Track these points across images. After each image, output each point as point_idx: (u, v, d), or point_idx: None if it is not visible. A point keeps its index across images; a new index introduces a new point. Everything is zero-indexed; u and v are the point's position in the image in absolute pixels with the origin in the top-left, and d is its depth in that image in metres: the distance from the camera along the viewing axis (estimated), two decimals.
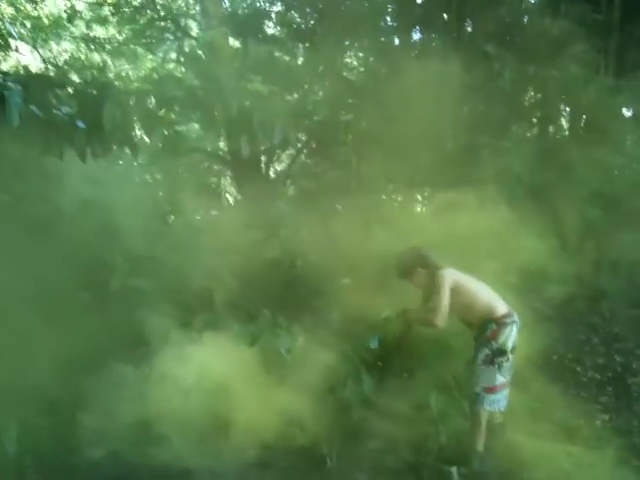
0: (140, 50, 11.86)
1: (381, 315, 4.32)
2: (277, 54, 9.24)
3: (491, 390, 4.23)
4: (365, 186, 6.41)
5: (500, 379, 4.23)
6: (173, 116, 5.70)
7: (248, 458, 4.08)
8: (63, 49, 11.91)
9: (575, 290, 7.77)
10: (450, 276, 4.23)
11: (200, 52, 7.02)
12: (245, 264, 5.29)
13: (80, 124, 4.18)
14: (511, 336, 4.24)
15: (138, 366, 4.26)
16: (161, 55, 11.78)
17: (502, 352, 4.21)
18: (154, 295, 4.87)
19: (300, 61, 9.32)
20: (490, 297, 4.32)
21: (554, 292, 7.56)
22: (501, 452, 4.37)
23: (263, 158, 8.51)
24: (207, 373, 4.06)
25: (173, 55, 11.56)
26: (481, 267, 5.29)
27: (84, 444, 4.10)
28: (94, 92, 4.40)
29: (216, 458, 3.99)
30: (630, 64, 8.85)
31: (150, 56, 12.01)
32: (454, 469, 4.03)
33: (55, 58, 11.53)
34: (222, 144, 9.63)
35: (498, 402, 4.28)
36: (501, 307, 4.29)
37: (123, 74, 11.20)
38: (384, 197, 7.19)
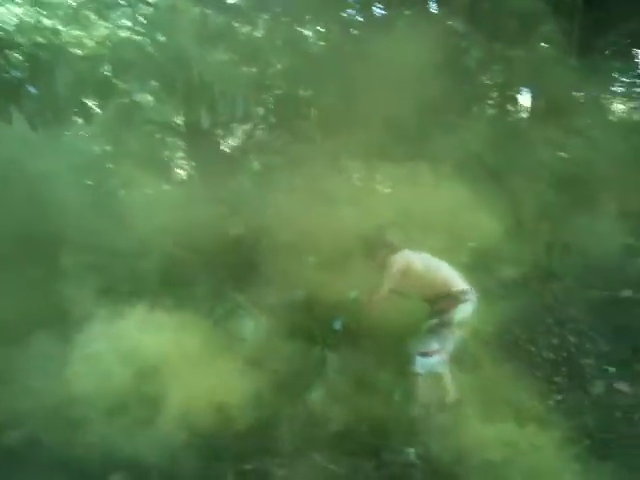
0: (93, 16, 11.41)
1: (347, 295, 4.26)
2: (237, 24, 9.02)
3: (424, 354, 4.36)
4: (328, 162, 6.32)
5: (435, 345, 4.38)
6: (128, 84, 5.50)
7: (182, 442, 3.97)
8: (13, 13, 11.40)
9: (529, 271, 7.88)
10: (402, 260, 4.38)
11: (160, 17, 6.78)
12: (203, 241, 5.17)
13: (31, 89, 3.98)
14: (462, 311, 4.40)
15: (66, 342, 4.07)
16: (115, 21, 11.37)
17: (448, 324, 4.37)
18: (97, 270, 4.72)
19: (260, 33, 9.10)
20: (448, 275, 4.49)
21: (508, 272, 7.64)
22: (456, 432, 4.40)
23: (220, 131, 8.31)
24: (141, 353, 3.94)
25: (127, 22, 11.17)
26: (435, 244, 5.32)
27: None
28: (46, 56, 4.19)
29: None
30: (593, 46, 8.94)
31: (103, 23, 11.58)
32: (412, 450, 4.03)
33: (4, 22, 11.02)
34: (176, 115, 9.39)
35: (430, 365, 4.40)
36: (459, 284, 4.45)
37: (75, 41, 10.78)
38: (347, 173, 7.11)
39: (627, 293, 6.69)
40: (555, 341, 5.75)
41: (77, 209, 5.47)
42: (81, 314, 4.29)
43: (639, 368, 5.32)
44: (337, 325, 4.10)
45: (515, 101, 8.52)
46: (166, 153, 10.68)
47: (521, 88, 8.09)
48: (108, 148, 9.40)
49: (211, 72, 4.97)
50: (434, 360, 4.42)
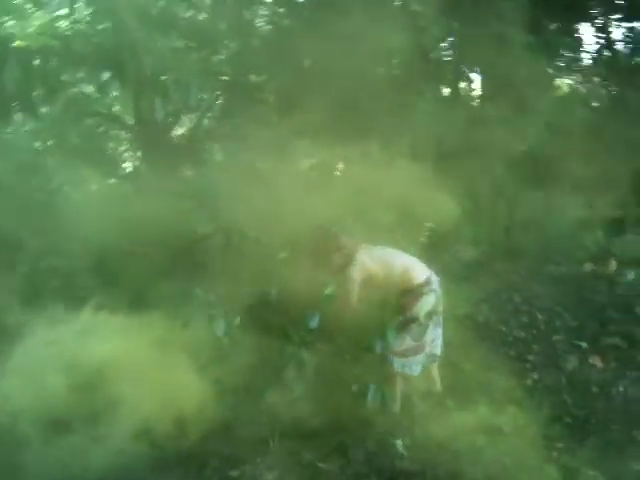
0: (29, 5, 10.90)
1: (323, 291, 4.12)
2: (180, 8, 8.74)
3: (400, 354, 4.27)
4: (285, 146, 6.16)
5: (411, 343, 4.27)
6: (77, 76, 5.24)
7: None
8: None
9: (490, 250, 7.94)
10: (361, 271, 4.17)
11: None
12: (163, 238, 4.97)
13: None
14: (426, 304, 4.28)
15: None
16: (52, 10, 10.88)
17: (414, 319, 4.25)
18: (43, 273, 4.48)
19: (204, 16, 8.84)
20: (407, 267, 4.30)
21: (469, 252, 7.68)
22: (439, 419, 4.37)
23: (172, 121, 8.05)
24: (90, 360, 3.66)
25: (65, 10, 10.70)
26: (391, 225, 5.26)
27: None
28: None
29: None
30: (542, 23, 8.98)
31: (41, 12, 11.07)
32: (399, 441, 3.97)
33: None
34: (125, 106, 9.08)
35: (410, 366, 4.30)
36: (419, 275, 4.29)
37: (18, 32, 10.28)
38: (304, 157, 6.97)
39: (588, 267, 6.77)
40: (525, 319, 5.77)
41: (17, 208, 5.23)
42: (18, 321, 4.01)
43: (609, 342, 5.38)
44: (313, 323, 3.96)
45: (469, 80, 8.52)
46: (113, 146, 10.35)
47: (475, 67, 8.03)
48: (50, 143, 9.04)
49: (163, 60, 4.75)
50: (414, 359, 4.32)
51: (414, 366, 4.33)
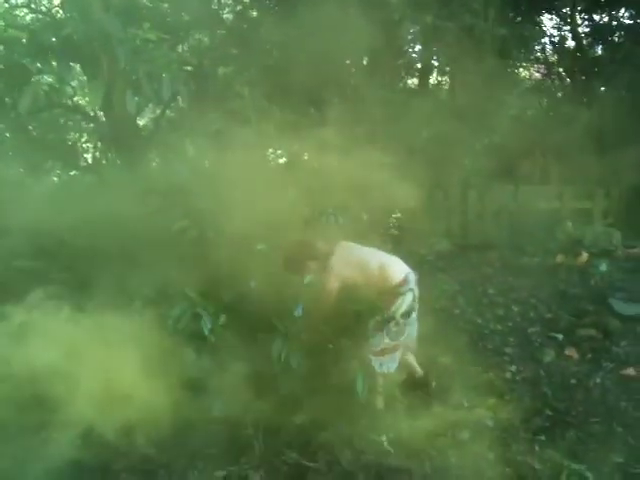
0: None
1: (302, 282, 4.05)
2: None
3: (380, 353, 4.24)
4: (256, 138, 6.08)
5: (388, 342, 4.24)
6: (47, 68, 5.06)
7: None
8: None
9: (462, 241, 7.99)
10: (336, 274, 4.13)
11: None
12: (135, 233, 4.84)
13: None
14: (404, 304, 4.23)
15: None
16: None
17: (391, 318, 4.21)
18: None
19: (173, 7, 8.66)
20: (384, 266, 4.23)
21: (443, 244, 7.71)
22: (419, 413, 4.37)
23: (142, 113, 7.90)
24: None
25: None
26: (361, 218, 5.23)
27: None
28: None
29: None
30: (506, 15, 9.03)
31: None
32: (383, 438, 3.94)
33: None
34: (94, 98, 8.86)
35: (387, 364, 4.28)
36: (396, 275, 4.23)
37: None
38: (275, 148, 6.89)
39: (560, 258, 6.84)
40: (500, 312, 5.80)
41: None
42: None
43: (583, 333, 5.44)
44: (297, 311, 3.89)
45: (441, 72, 8.55)
46: (75, 137, 10.09)
47: (445, 59, 8.05)
48: (8, 135, 8.76)
49: (135, 52, 4.61)
50: (390, 357, 4.30)
51: (391, 364, 4.31)
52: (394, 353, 4.30)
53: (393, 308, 4.19)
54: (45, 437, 3.51)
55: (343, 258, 4.20)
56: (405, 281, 4.24)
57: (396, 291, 4.20)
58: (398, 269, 4.28)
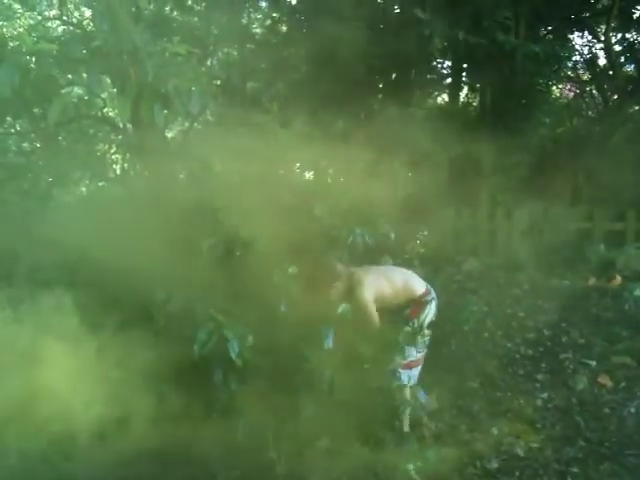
0: (16, 6, 10.65)
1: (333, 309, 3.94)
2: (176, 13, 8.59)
3: (408, 366, 4.19)
4: (291, 157, 6.02)
5: (416, 355, 4.23)
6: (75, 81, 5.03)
7: None
8: None
9: (490, 261, 7.83)
10: (370, 287, 4.11)
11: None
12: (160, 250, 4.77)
13: None
14: (429, 313, 4.29)
15: None
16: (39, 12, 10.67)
17: (420, 329, 4.25)
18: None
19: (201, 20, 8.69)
20: (406, 281, 4.30)
21: (471, 263, 7.57)
22: (447, 440, 4.25)
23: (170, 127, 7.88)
24: None
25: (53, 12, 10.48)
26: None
27: None
28: None
29: None
30: (537, 33, 8.92)
31: (28, 13, 10.83)
32: (410, 466, 3.80)
33: None
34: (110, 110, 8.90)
35: (414, 377, 4.26)
36: (419, 287, 4.30)
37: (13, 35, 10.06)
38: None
39: (592, 281, 6.66)
40: (531, 336, 5.64)
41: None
42: None
43: (617, 360, 5.27)
44: (328, 342, 3.75)
45: (471, 88, 8.46)
46: (104, 148, 10.14)
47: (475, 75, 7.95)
48: (38, 145, 8.80)
49: (165, 65, 4.57)
50: (417, 370, 4.29)
51: (415, 377, 4.29)
52: (419, 365, 4.30)
53: (421, 317, 4.24)
54: None
55: (369, 274, 4.21)
56: (428, 291, 4.33)
57: (421, 300, 4.26)
58: (418, 281, 4.36)
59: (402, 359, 4.12)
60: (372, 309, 4.07)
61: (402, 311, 4.25)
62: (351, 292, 4.10)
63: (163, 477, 3.69)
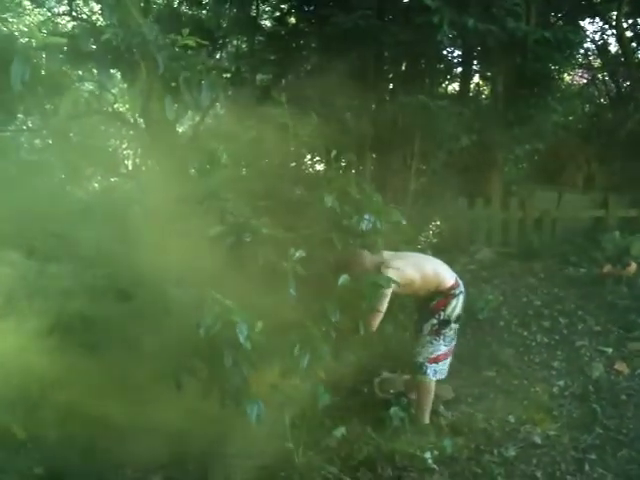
0: (26, 2, 10.71)
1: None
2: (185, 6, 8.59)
3: (435, 360, 4.18)
4: (303, 150, 6.01)
5: (443, 349, 4.19)
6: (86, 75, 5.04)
7: None
8: None
9: (504, 250, 7.80)
10: (399, 273, 3.93)
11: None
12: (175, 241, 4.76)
13: None
14: (457, 307, 4.19)
15: None
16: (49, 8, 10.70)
17: (447, 322, 4.16)
18: None
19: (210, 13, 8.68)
20: (437, 271, 4.17)
21: (484, 253, 7.54)
22: (464, 429, 4.23)
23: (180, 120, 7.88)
24: None
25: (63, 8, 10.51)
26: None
27: None
28: None
29: None
30: (555, 16, 8.86)
31: (37, 9, 10.88)
32: (427, 455, 3.79)
33: None
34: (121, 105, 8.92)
35: (441, 371, 4.23)
36: (448, 279, 4.18)
37: (23, 30, 10.10)
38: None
39: (607, 269, 6.60)
40: (546, 324, 5.60)
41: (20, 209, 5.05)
42: None
43: (634, 347, 5.23)
44: (334, 316, 3.69)
45: (487, 76, 8.40)
46: (115, 143, 10.17)
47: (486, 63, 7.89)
48: (50, 141, 8.82)
49: (175, 58, 4.57)
50: (444, 364, 4.25)
51: (444, 370, 4.26)
52: (447, 359, 4.25)
53: (448, 310, 4.14)
54: None
55: (399, 260, 4.06)
56: (457, 284, 4.22)
57: (449, 293, 4.16)
58: (448, 273, 4.25)
59: (429, 353, 4.17)
60: (383, 306, 3.93)
61: (428, 303, 4.17)
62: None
63: (179, 467, 3.72)
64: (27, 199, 5.58)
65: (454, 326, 4.22)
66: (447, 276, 4.20)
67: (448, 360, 4.27)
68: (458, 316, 4.22)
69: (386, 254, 4.17)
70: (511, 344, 5.34)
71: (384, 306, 3.91)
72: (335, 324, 3.56)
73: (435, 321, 4.15)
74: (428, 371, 4.17)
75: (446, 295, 4.15)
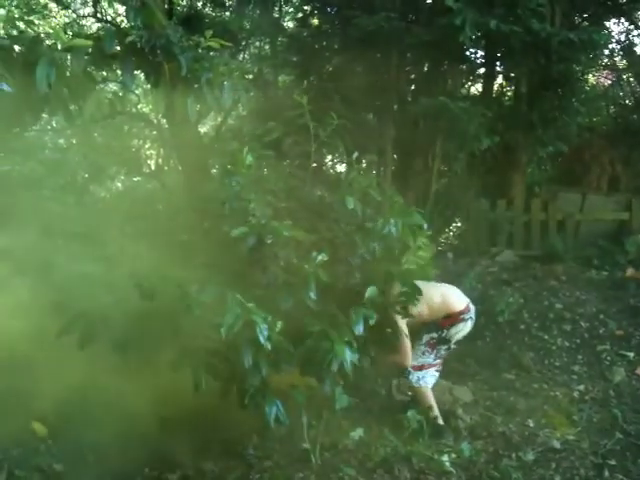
0: (52, 5, 10.85)
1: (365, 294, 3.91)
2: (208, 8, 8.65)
3: (419, 368, 4.22)
4: (324, 151, 6.04)
5: (430, 361, 4.25)
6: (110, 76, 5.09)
7: None
8: None
9: (526, 252, 7.75)
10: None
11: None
12: (198, 241, 4.79)
13: (5, 87, 3.56)
14: (463, 331, 4.24)
15: None
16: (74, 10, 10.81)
17: (447, 341, 4.23)
18: None
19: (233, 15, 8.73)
20: (445, 297, 4.21)
21: (506, 255, 7.50)
22: (482, 432, 4.22)
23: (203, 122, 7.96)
24: None
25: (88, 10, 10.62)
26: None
27: None
28: (22, 49, 3.77)
29: None
30: (571, 19, 8.76)
31: (63, 11, 11.01)
32: (444, 458, 3.79)
33: None
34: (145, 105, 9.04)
35: (424, 379, 4.23)
36: (458, 304, 4.22)
37: (48, 32, 10.24)
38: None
39: (630, 272, 6.54)
40: (567, 327, 5.56)
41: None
42: None
43: None
44: (358, 328, 3.70)
45: (506, 78, 8.35)
46: (139, 144, 10.26)
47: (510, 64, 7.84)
48: (74, 141, 8.94)
49: (197, 59, 4.61)
50: (428, 373, 4.26)
51: (429, 379, 4.26)
52: (431, 369, 4.27)
53: (452, 330, 4.18)
54: None
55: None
56: (468, 308, 4.25)
57: (459, 317, 4.20)
58: (459, 298, 4.28)
59: (415, 361, 4.18)
60: (404, 339, 3.93)
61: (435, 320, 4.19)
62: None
63: (197, 466, 3.76)
64: (51, 199, 5.67)
65: (453, 347, 4.31)
66: (457, 301, 4.24)
67: (437, 374, 4.31)
68: (460, 339, 4.27)
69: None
70: (531, 347, 5.31)
71: (406, 347, 3.97)
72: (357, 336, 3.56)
73: (436, 335, 4.20)
74: (411, 377, 4.21)
75: (454, 317, 4.19)
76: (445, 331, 4.17)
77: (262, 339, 3.22)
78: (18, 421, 3.82)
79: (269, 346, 3.25)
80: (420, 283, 4.14)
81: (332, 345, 3.42)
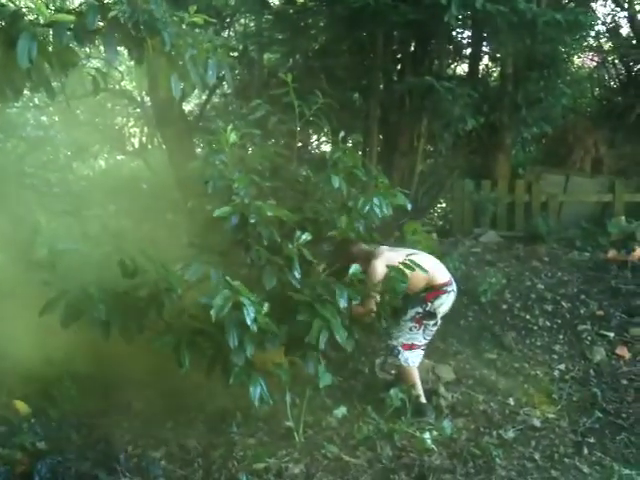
0: None
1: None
2: None
3: (409, 347, 4.26)
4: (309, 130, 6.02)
5: (421, 340, 4.28)
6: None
7: None
8: None
9: (509, 233, 7.79)
10: (381, 265, 3.95)
11: None
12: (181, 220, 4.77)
13: None
14: (446, 303, 4.26)
15: None
16: None
17: (432, 315, 4.23)
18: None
19: None
20: (433, 268, 4.21)
21: (489, 236, 7.54)
22: (464, 410, 4.28)
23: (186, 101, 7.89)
24: None
25: None
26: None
27: None
28: (2, 24, 3.71)
29: None
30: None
31: None
32: (426, 435, 3.84)
33: None
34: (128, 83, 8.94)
35: (412, 358, 4.27)
36: (441, 276, 4.25)
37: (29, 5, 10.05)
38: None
39: (612, 253, 6.59)
40: (549, 307, 5.61)
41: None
42: None
43: (636, 332, 5.23)
44: (342, 302, 3.68)
45: (492, 58, 8.33)
46: (122, 121, 10.15)
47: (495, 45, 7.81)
48: (57, 118, 8.83)
49: (181, 35, 4.55)
50: (416, 353, 4.29)
51: (416, 359, 4.30)
52: (420, 349, 4.31)
53: (436, 303, 4.19)
54: None
55: (384, 261, 4.00)
56: (450, 282, 4.29)
57: (441, 289, 4.22)
58: (444, 272, 4.32)
59: (405, 339, 4.24)
60: (372, 297, 3.89)
61: (419, 292, 4.19)
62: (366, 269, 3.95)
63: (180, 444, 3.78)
64: (33, 176, 5.63)
65: (439, 322, 4.31)
66: (440, 274, 4.27)
67: (422, 354, 4.34)
68: (444, 312, 4.29)
69: (382, 247, 4.23)
70: (513, 327, 5.36)
71: (372, 300, 3.90)
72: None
73: (420, 310, 4.21)
74: (400, 356, 4.25)
75: (437, 289, 4.21)
76: (429, 304, 4.19)
77: (249, 321, 3.23)
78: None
79: (255, 328, 3.26)
80: (410, 250, 4.24)
81: (326, 319, 3.44)
